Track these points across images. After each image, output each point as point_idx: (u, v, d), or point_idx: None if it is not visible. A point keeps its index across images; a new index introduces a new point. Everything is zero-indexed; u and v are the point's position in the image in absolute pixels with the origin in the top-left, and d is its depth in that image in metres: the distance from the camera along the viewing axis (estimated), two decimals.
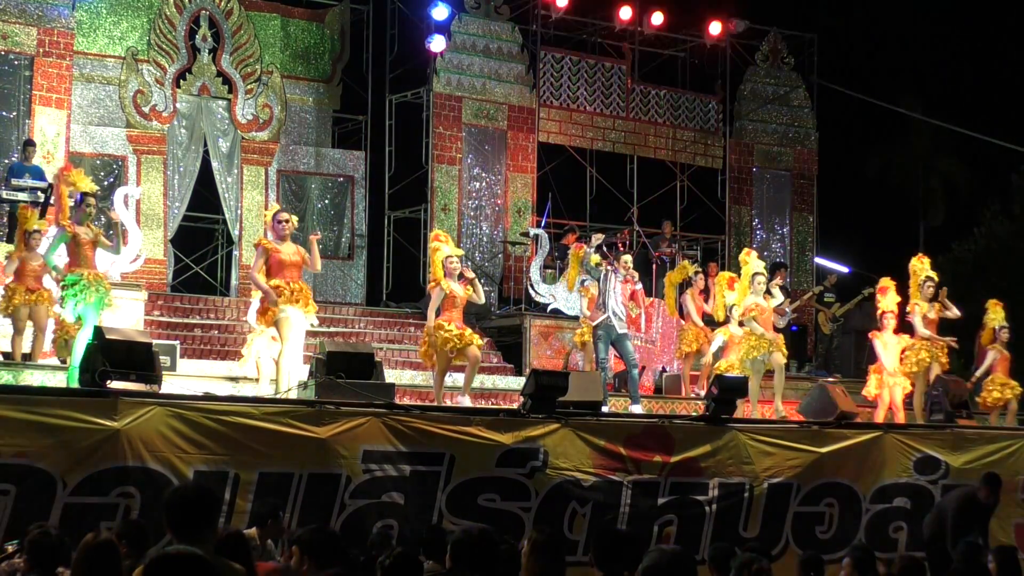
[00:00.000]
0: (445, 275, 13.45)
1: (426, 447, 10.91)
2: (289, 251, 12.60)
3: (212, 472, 9.93)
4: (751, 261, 15.42)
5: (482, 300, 14.10)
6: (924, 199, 32.27)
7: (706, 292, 17.42)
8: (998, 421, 16.04)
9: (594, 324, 14.56)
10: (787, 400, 16.44)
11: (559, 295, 18.70)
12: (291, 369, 12.47)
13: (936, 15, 30.49)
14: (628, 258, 15.18)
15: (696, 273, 17.44)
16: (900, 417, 15.13)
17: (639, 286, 15.05)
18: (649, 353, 18.75)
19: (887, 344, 15.38)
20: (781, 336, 15.43)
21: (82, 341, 12.31)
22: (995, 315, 16.51)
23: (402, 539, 10.12)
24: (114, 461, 9.65)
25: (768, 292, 15.99)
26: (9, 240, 16.04)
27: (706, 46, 23.12)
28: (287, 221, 12.68)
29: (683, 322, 17.39)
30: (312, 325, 12.97)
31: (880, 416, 15.08)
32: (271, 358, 13.16)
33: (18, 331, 13.55)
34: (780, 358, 15.08)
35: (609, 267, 14.76)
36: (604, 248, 18.57)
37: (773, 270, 19.66)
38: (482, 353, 17.83)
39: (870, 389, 15.39)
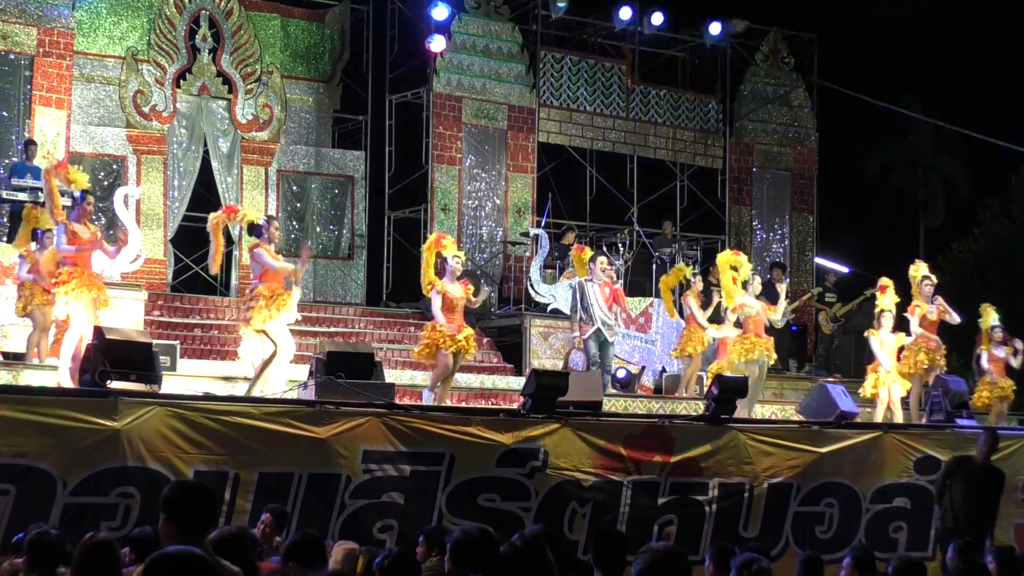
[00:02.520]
0: (445, 276, 13.64)
1: (426, 447, 10.92)
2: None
3: (212, 472, 9.94)
4: (743, 264, 15.49)
5: (477, 304, 14.22)
6: (924, 199, 32.26)
7: (706, 293, 17.38)
8: (996, 421, 16.09)
9: (584, 337, 14.78)
10: (787, 400, 16.48)
11: (559, 295, 18.69)
12: (281, 372, 12.64)
13: (935, 15, 30.48)
14: (603, 259, 15.27)
15: (694, 275, 17.39)
16: (898, 416, 15.15)
17: (618, 284, 15.14)
18: (649, 353, 18.75)
19: (884, 343, 15.41)
20: (771, 340, 15.45)
21: (69, 341, 12.29)
22: (986, 316, 16.70)
23: (402, 539, 10.12)
24: (114, 461, 9.66)
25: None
26: (10, 240, 16.03)
27: (706, 46, 23.13)
28: (277, 229, 13.15)
29: (683, 323, 17.35)
30: (297, 320, 13.20)
31: (879, 416, 15.10)
32: (263, 358, 13.17)
33: (43, 329, 13.50)
34: (764, 370, 15.18)
35: (587, 280, 14.92)
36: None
37: (772, 269, 19.74)
38: (482, 353, 17.99)
39: (867, 388, 15.40)
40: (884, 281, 15.90)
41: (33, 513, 8.86)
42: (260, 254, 12.94)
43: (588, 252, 16.75)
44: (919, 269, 15.99)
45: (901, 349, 15.50)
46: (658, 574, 4.80)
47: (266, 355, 12.88)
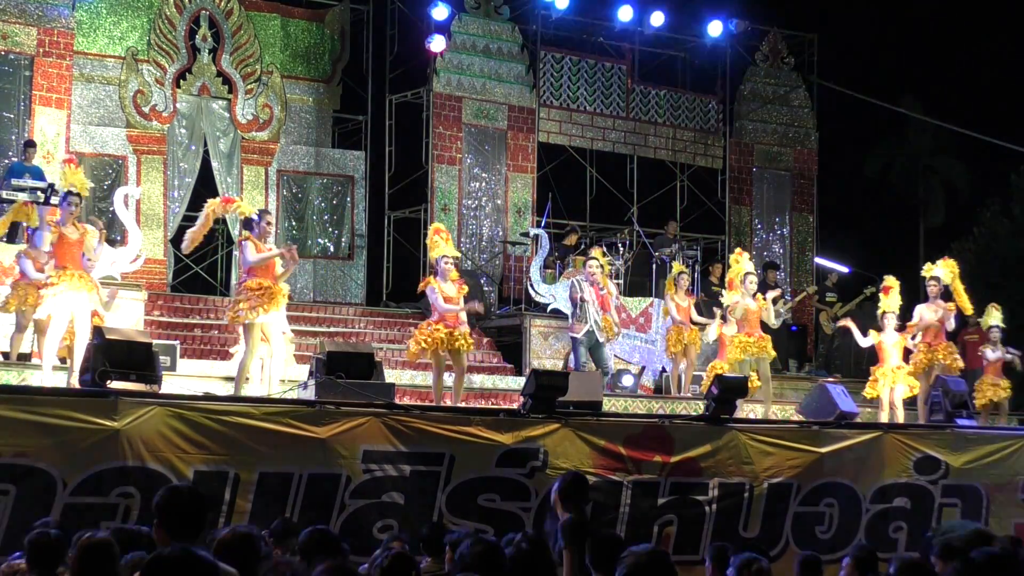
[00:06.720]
0: (438, 275, 13.51)
1: (426, 447, 10.92)
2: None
3: (212, 472, 9.93)
4: (742, 261, 15.49)
5: (476, 309, 14.14)
6: (924, 199, 32.24)
7: (694, 291, 17.52)
8: (990, 421, 16.11)
9: (577, 336, 14.84)
10: (787, 400, 16.47)
11: (559, 295, 18.68)
12: (276, 373, 12.51)
13: (935, 15, 30.48)
14: (594, 263, 15.27)
15: (680, 274, 17.29)
16: (900, 416, 15.15)
17: (603, 290, 15.17)
18: (649, 353, 18.75)
19: (886, 344, 15.40)
20: (769, 338, 15.41)
21: (53, 338, 12.20)
22: (988, 317, 16.74)
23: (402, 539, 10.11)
24: (114, 461, 9.65)
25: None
26: (10, 240, 16.02)
27: (706, 46, 23.13)
28: (270, 223, 12.82)
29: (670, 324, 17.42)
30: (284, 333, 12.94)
31: (884, 416, 15.11)
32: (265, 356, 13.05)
33: (20, 329, 13.41)
34: (767, 367, 15.15)
35: (582, 279, 14.96)
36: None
37: (765, 269, 19.75)
38: (482, 353, 17.97)
39: (870, 390, 15.38)
40: (889, 281, 15.86)
41: (33, 513, 8.85)
42: (245, 246, 12.47)
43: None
44: (929, 270, 16.04)
45: (907, 350, 15.50)
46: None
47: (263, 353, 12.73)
